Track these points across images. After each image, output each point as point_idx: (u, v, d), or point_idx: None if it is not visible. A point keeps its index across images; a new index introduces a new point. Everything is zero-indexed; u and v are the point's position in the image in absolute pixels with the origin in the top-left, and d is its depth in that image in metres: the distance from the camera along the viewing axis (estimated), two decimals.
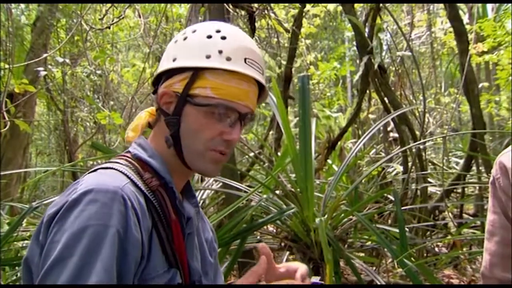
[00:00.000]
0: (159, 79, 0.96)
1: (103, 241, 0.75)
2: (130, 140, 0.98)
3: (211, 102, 0.89)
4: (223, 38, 0.91)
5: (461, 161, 4.78)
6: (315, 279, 1.09)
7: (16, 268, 2.26)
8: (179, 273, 0.88)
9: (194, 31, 0.93)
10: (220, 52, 0.89)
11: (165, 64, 0.93)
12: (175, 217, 0.91)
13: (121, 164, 0.90)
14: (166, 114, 0.92)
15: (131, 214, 0.79)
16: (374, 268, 3.30)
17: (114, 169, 0.87)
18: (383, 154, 5.90)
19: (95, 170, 0.88)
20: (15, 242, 2.41)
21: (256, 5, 4.02)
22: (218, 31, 0.92)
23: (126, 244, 0.77)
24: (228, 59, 0.89)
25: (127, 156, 0.93)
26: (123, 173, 0.86)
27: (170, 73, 0.92)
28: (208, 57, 0.89)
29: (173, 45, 0.95)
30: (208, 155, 0.91)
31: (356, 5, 4.86)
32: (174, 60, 0.92)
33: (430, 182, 4.76)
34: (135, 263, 0.79)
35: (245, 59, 0.90)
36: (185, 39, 0.93)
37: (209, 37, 0.91)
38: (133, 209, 0.80)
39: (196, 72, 0.89)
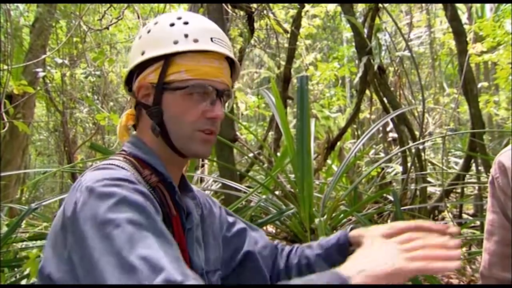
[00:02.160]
0: (131, 77, 0.97)
1: (142, 205, 0.76)
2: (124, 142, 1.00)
3: (188, 84, 0.90)
4: (186, 23, 0.93)
5: (460, 161, 4.78)
6: None
7: (15, 269, 2.25)
8: None
9: (156, 23, 0.96)
10: (186, 35, 0.91)
11: (134, 60, 0.95)
12: (176, 213, 0.91)
13: (120, 160, 0.90)
14: (146, 107, 0.94)
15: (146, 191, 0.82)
16: None
17: (115, 165, 0.88)
18: (382, 155, 5.90)
19: (95, 168, 0.88)
20: (14, 244, 2.41)
21: (255, 5, 4.02)
22: (179, 18, 0.94)
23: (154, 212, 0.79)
24: (195, 40, 0.91)
25: (124, 155, 0.93)
26: (124, 169, 0.87)
27: (141, 67, 0.94)
28: (175, 42, 0.91)
29: (139, 41, 0.96)
30: (196, 137, 0.92)
31: (355, 5, 4.86)
32: (142, 53, 0.93)
33: (430, 182, 4.76)
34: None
35: (211, 38, 0.93)
36: (148, 31, 0.95)
37: (172, 24, 0.94)
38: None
39: (167, 60, 0.91)
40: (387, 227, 0.89)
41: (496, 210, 1.12)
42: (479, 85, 6.47)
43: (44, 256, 0.82)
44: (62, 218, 0.79)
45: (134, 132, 1.03)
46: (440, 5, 5.63)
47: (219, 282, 1.02)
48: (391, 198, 4.03)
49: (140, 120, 0.98)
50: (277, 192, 3.15)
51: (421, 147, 3.88)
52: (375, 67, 3.66)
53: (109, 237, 0.70)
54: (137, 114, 0.98)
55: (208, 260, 1.00)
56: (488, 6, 7.33)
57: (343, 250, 0.99)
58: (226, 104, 0.99)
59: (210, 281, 0.99)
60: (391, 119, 3.88)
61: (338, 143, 4.46)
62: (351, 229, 1.00)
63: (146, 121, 0.95)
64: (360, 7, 6.01)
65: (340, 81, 8.55)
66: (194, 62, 0.91)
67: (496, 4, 6.73)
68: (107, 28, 4.10)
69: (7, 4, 3.86)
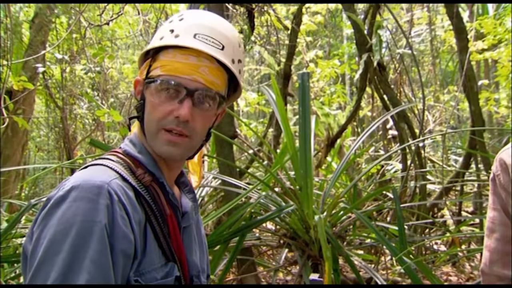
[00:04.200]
0: None
1: (91, 237, 0.75)
2: None
3: (157, 79, 0.89)
4: (181, 19, 0.92)
5: (460, 159, 4.78)
6: (314, 276, 1.09)
7: (15, 265, 2.25)
8: (176, 266, 0.88)
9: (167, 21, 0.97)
10: (172, 31, 0.90)
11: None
12: (170, 212, 0.91)
13: (112, 160, 0.89)
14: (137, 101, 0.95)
15: (118, 208, 0.79)
16: (373, 265, 3.30)
17: (103, 165, 0.87)
18: (382, 152, 5.90)
19: (86, 167, 0.88)
20: (14, 239, 2.40)
21: None
22: (180, 15, 0.93)
23: (112, 239, 0.77)
24: (176, 36, 0.89)
25: (119, 152, 0.93)
26: (112, 169, 0.86)
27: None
28: (161, 38, 0.91)
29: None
30: (160, 136, 0.89)
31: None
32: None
33: (429, 180, 4.77)
34: (123, 257, 0.79)
35: (195, 35, 0.89)
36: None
37: (170, 21, 0.93)
38: (121, 203, 0.80)
39: (154, 55, 0.92)
40: None
41: (497, 207, 1.11)
42: (480, 83, 6.46)
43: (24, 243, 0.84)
44: (40, 212, 0.81)
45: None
46: (441, 3, 5.62)
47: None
48: (390, 195, 4.04)
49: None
50: (276, 189, 3.14)
51: (421, 144, 3.88)
52: (375, 64, 3.65)
53: (51, 260, 0.73)
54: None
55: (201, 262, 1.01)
56: (490, 3, 7.31)
57: None
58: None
59: (204, 283, 1.00)
60: (391, 117, 3.88)
61: (338, 141, 4.46)
62: None
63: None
64: (361, 4, 6.00)
65: (340, 79, 8.53)
66: (168, 58, 0.89)
67: None
68: (107, 23, 4.08)
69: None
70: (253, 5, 3.89)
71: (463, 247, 3.83)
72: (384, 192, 4.18)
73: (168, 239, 0.88)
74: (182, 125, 0.88)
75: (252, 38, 4.69)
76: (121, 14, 4.01)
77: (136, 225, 0.82)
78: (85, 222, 0.75)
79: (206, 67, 0.89)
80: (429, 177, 4.85)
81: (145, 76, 0.92)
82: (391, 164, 5.02)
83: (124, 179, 0.85)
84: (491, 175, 1.13)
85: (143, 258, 0.83)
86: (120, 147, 0.95)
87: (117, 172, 0.86)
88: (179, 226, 0.93)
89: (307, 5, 5.41)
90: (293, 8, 5.32)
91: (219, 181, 3.15)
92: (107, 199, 0.78)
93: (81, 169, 0.88)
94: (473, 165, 4.32)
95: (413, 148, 3.76)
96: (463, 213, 4.68)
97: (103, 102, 5.98)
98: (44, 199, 0.84)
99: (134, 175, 0.88)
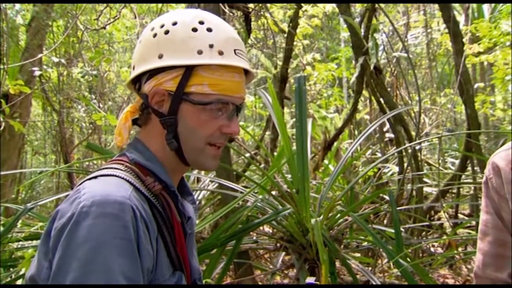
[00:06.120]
0: (139, 75, 0.92)
1: (123, 255, 0.74)
2: (120, 144, 0.95)
3: (209, 99, 0.88)
4: (209, 30, 0.89)
5: (457, 162, 4.80)
6: (310, 280, 1.09)
7: (11, 269, 2.24)
8: (183, 276, 0.88)
9: (174, 23, 0.89)
10: (211, 46, 0.87)
11: (149, 60, 0.89)
12: (179, 219, 0.91)
13: (121, 170, 0.87)
14: (160, 114, 0.90)
15: (141, 224, 0.79)
16: (369, 268, 3.31)
17: (116, 176, 0.85)
18: (379, 155, 5.91)
19: (95, 177, 0.85)
20: (10, 243, 2.40)
21: (252, 5, 4.02)
22: (201, 23, 0.89)
23: (140, 256, 0.77)
24: (220, 53, 0.88)
25: (125, 161, 0.90)
26: (125, 180, 0.84)
27: (156, 70, 0.89)
28: (200, 52, 0.87)
29: (154, 40, 0.89)
30: (208, 151, 0.91)
31: (352, 5, 4.86)
32: (160, 57, 0.88)
33: (426, 183, 4.78)
34: (147, 274, 0.79)
35: (234, 51, 0.90)
36: (166, 32, 0.88)
37: (195, 30, 0.88)
38: (142, 218, 0.80)
39: (190, 69, 0.87)
40: None
41: (490, 211, 1.12)
42: (475, 86, 6.49)
43: (35, 261, 0.82)
44: (51, 225, 0.79)
45: (134, 132, 1.00)
46: (437, 6, 5.65)
47: None
48: (387, 198, 4.04)
49: (148, 123, 0.93)
50: (273, 192, 3.15)
51: (417, 147, 3.89)
52: (372, 67, 3.67)
53: (85, 281, 0.72)
54: (145, 117, 0.93)
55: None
56: (485, 6, 7.36)
57: None
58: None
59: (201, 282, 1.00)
60: (388, 120, 3.89)
61: (335, 143, 4.46)
62: None
63: (156, 127, 0.91)
64: (357, 8, 6.03)
65: (337, 82, 8.55)
66: (216, 76, 0.87)
67: (493, 5, 6.75)
68: (104, 28, 4.09)
69: (3, 4, 3.85)
70: (250, 8, 3.90)
71: (460, 249, 3.84)
72: (381, 195, 4.19)
73: (176, 248, 0.88)
74: (227, 138, 0.92)
75: (249, 42, 4.70)
76: (118, 18, 4.01)
77: (153, 238, 0.82)
78: (116, 240, 0.74)
79: (243, 82, 0.93)
80: (425, 179, 4.86)
81: (176, 89, 0.87)
82: (388, 167, 5.03)
83: (137, 190, 0.84)
84: (484, 178, 1.13)
85: (156, 269, 0.83)
86: (125, 155, 0.92)
87: (131, 183, 0.84)
88: (184, 232, 0.93)
89: (303, 8, 5.43)
90: (290, 11, 5.33)
91: (216, 184, 3.15)
92: (131, 216, 0.77)
93: (90, 178, 0.85)
94: (469, 168, 4.34)
95: (409, 151, 3.77)
96: (460, 216, 4.69)
97: (100, 105, 5.98)
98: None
99: (143, 184, 0.87)
